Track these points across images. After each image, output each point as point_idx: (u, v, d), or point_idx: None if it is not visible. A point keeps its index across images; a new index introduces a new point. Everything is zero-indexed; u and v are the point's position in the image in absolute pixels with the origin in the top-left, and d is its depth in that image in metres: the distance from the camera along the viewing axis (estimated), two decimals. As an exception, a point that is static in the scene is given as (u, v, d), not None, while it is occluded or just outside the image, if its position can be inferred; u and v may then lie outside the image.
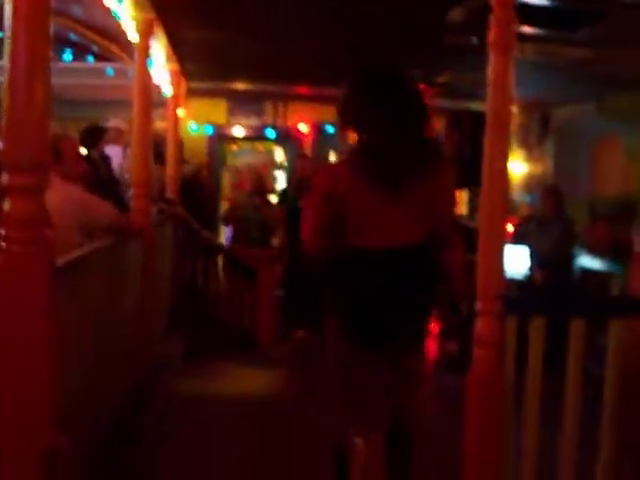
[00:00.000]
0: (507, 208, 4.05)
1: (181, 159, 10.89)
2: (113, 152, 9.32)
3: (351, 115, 4.13)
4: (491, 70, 3.85)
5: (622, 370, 3.94)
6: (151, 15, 6.42)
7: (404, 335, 4.09)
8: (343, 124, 4.20)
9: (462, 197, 14.63)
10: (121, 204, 6.94)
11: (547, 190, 10.37)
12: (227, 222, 11.82)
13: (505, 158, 3.94)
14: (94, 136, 8.66)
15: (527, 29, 6.54)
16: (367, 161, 3.95)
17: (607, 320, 3.95)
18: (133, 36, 6.50)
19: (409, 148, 3.94)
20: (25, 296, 2.99)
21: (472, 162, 10.49)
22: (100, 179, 7.68)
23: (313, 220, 4.11)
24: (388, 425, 4.16)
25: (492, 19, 3.84)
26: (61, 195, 4.74)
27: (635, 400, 4.07)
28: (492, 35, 3.83)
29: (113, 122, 9.92)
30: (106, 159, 8.68)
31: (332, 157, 13.30)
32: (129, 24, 6.41)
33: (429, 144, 4.07)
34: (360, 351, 4.04)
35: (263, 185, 11.81)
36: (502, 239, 3.88)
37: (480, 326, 3.88)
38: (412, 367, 4.15)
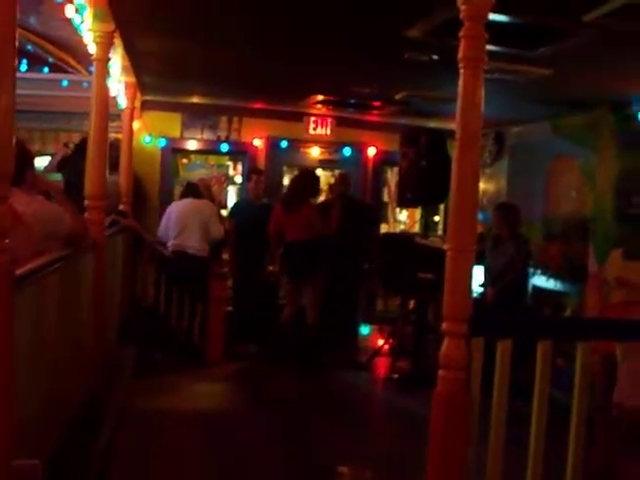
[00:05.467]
0: (476, 228, 3.97)
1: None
2: None
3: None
4: (461, 85, 3.77)
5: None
6: (111, 27, 6.32)
7: (305, 274, 10.41)
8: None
9: (415, 215, 14.62)
10: None
11: (500, 208, 10.36)
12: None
13: (475, 176, 3.84)
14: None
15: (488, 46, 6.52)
16: (285, 204, 10.53)
17: (574, 342, 3.91)
18: (92, 48, 6.40)
19: (298, 201, 10.39)
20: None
21: (427, 180, 10.47)
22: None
23: (272, 227, 10.57)
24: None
25: (462, 34, 3.78)
26: (28, 211, 4.65)
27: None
28: (462, 50, 3.76)
29: None
30: None
31: (286, 172, 13.25)
32: (88, 35, 6.32)
33: (307, 200, 10.51)
34: (291, 280, 10.63)
35: (214, 198, 11.75)
36: (470, 260, 3.79)
37: (446, 347, 3.79)
38: (311, 284, 10.46)
